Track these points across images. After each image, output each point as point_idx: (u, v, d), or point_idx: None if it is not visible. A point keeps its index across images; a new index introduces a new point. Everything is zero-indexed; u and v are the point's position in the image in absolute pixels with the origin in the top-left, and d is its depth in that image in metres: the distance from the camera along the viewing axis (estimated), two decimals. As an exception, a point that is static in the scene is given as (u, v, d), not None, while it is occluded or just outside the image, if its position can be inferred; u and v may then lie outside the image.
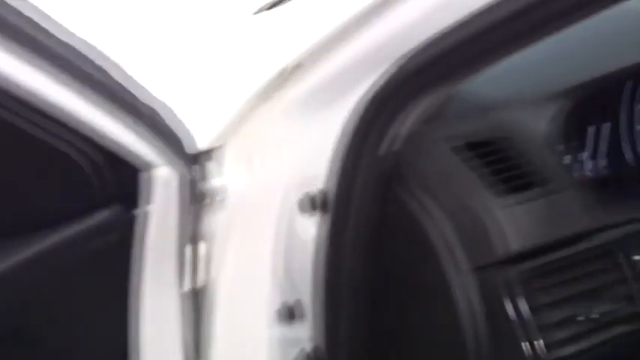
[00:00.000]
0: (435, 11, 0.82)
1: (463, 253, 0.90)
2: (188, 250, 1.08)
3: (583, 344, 0.91)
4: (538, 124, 1.00)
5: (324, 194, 1.00)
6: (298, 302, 1.06)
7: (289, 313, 1.07)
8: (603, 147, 1.19)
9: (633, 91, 1.21)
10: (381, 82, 0.92)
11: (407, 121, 0.98)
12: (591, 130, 1.18)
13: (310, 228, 1.03)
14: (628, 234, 0.99)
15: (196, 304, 1.12)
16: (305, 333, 1.06)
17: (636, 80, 1.20)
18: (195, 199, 1.05)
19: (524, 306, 0.88)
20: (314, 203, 1.01)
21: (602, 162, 1.19)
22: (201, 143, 1.07)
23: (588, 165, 1.18)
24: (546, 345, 0.87)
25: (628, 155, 1.22)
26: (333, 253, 1.00)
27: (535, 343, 0.87)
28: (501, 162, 0.94)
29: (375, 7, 0.87)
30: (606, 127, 1.19)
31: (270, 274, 1.09)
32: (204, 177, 1.07)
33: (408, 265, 0.98)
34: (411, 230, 0.95)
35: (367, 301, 1.01)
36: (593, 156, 1.18)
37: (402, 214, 0.96)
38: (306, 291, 1.05)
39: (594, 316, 0.92)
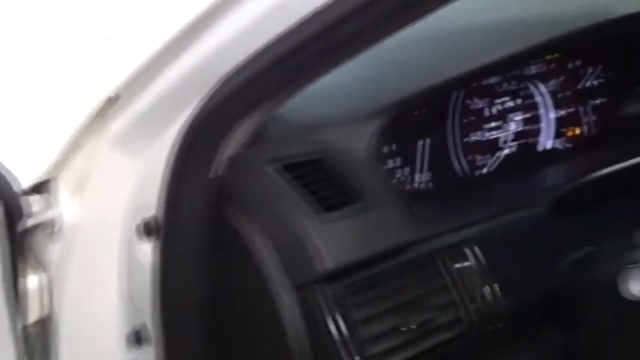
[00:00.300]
0: (246, 34, 0.79)
1: (285, 273, 0.87)
2: (24, 284, 1.02)
3: (405, 354, 0.89)
4: (361, 142, 0.98)
5: (156, 220, 0.96)
6: (144, 326, 1.02)
7: (137, 338, 1.03)
8: (430, 160, 1.18)
9: (458, 103, 1.21)
10: (199, 108, 0.89)
11: (229, 145, 0.95)
12: (419, 143, 1.17)
13: (148, 253, 0.99)
14: (449, 243, 0.98)
15: (40, 337, 1.06)
16: (152, 356, 1.02)
17: (461, 92, 1.20)
18: (24, 234, 0.99)
19: (343, 322, 0.85)
20: (149, 229, 0.97)
21: (429, 175, 1.18)
22: (30, 178, 1.02)
23: (416, 178, 1.17)
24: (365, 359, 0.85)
25: (455, 167, 1.22)
26: (167, 278, 0.97)
27: (356, 358, 0.84)
28: (320, 181, 0.91)
29: (187, 33, 0.83)
30: (433, 140, 1.19)
31: (117, 298, 1.05)
32: (33, 210, 1.01)
33: (239, 287, 0.94)
34: (239, 252, 0.91)
35: (203, 323, 0.97)
36: (421, 169, 1.18)
37: (230, 237, 0.92)
38: (148, 315, 1.01)
39: (415, 325, 0.90)
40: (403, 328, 0.90)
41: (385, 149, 1.14)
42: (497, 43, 1.09)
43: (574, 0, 1.20)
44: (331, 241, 0.86)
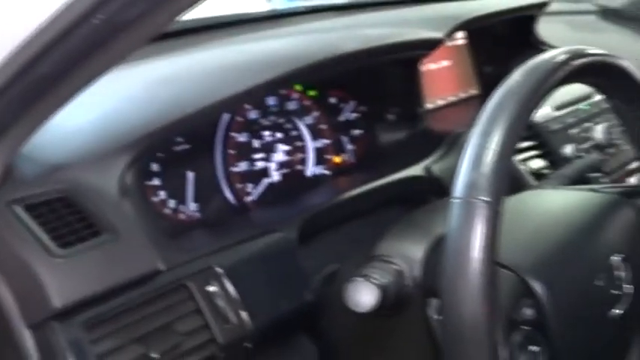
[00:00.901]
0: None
1: (22, 313, 0.74)
2: None
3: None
4: (111, 177, 0.86)
5: None
6: None
7: None
8: (199, 190, 1.08)
9: (223, 136, 1.12)
10: None
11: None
12: (188, 175, 1.08)
13: None
14: (202, 268, 0.88)
15: None
16: None
17: (224, 126, 1.12)
18: None
19: (88, 356, 0.72)
20: None
21: (198, 205, 1.08)
22: None
23: (185, 208, 1.07)
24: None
25: (224, 196, 1.12)
26: None
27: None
28: (61, 219, 0.79)
29: None
30: (201, 172, 1.09)
31: None
32: None
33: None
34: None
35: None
36: (190, 199, 1.08)
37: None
38: None
39: (161, 353, 0.78)
40: (154, 355, 0.79)
41: (154, 182, 1.03)
42: (238, 77, 1.01)
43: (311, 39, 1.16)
44: (63, 278, 0.74)
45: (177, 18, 0.61)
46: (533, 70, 0.77)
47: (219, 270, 0.88)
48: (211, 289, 0.87)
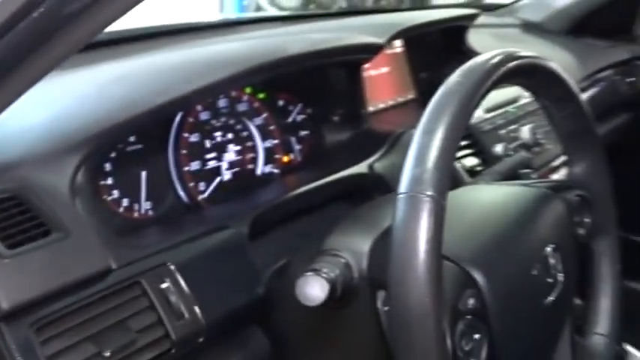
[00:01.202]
0: None
1: None
2: None
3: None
4: (62, 176, 0.79)
5: None
6: None
7: None
8: (152, 189, 1.02)
9: (176, 136, 1.06)
10: None
11: None
12: (142, 174, 1.01)
13: None
14: (156, 264, 0.81)
15: None
16: None
17: (177, 127, 1.05)
18: None
19: (38, 357, 0.65)
20: None
21: (150, 203, 1.02)
22: None
23: (139, 207, 1.00)
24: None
25: (177, 194, 1.06)
26: None
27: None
28: (9, 219, 0.71)
29: None
30: (154, 171, 1.02)
31: None
32: None
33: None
34: None
35: None
36: (144, 198, 1.01)
37: None
38: None
39: (111, 350, 0.72)
40: (107, 353, 0.73)
41: (107, 181, 0.96)
42: (189, 78, 0.95)
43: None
44: (11, 279, 0.67)
45: (124, 13, 0.55)
46: (472, 71, 0.74)
47: (172, 266, 0.82)
48: (164, 285, 0.80)
